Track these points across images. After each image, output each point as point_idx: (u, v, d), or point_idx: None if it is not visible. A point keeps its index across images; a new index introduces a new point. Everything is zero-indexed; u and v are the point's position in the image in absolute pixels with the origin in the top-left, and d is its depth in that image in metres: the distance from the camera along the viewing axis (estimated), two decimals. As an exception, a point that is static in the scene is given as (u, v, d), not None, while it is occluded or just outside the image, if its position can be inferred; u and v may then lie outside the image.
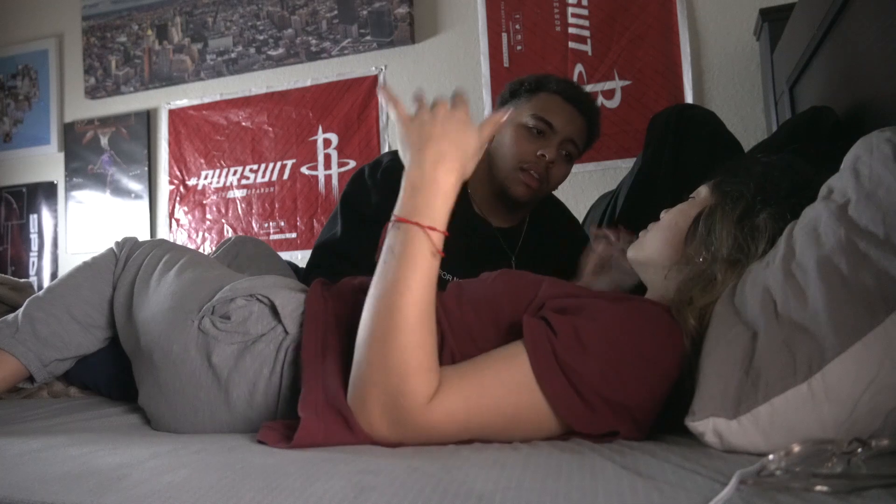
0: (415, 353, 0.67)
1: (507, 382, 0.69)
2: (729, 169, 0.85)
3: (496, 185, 1.38)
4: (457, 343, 0.79)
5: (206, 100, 2.88)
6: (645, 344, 0.71)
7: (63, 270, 2.57)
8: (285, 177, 2.76)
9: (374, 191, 1.39)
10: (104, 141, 3.04)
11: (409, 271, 0.69)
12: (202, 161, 2.89)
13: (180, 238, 2.89)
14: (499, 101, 1.46)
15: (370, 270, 0.74)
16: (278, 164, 2.77)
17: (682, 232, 0.83)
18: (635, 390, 0.69)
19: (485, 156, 1.42)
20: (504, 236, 1.43)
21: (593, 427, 0.68)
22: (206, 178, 2.89)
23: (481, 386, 0.69)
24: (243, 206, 2.82)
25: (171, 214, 2.93)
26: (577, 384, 0.67)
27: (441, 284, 0.79)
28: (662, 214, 0.91)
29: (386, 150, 2.59)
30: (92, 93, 3.04)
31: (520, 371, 0.69)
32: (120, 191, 3.02)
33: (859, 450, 0.50)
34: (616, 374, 0.68)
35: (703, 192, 0.86)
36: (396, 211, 0.74)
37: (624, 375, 0.68)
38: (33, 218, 3.19)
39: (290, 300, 0.89)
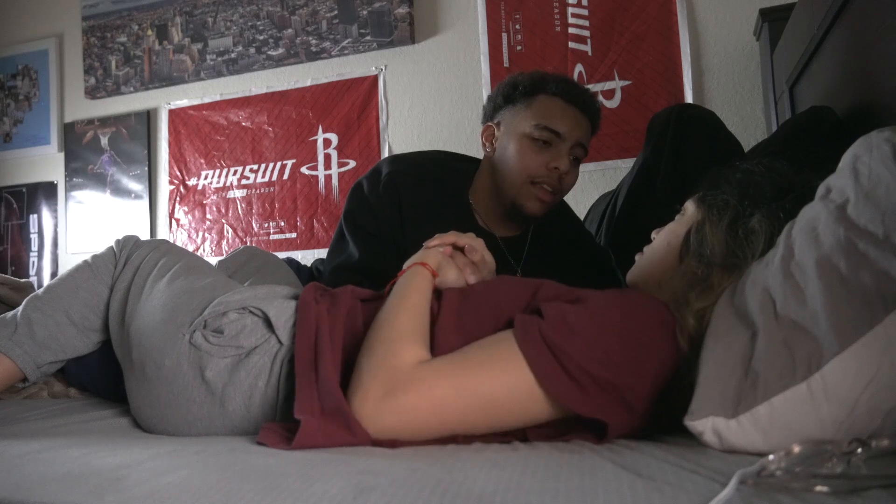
0: (403, 327, 0.77)
1: (495, 355, 0.71)
2: (710, 181, 0.87)
3: (506, 201, 1.33)
4: (451, 342, 0.78)
5: (206, 100, 2.88)
6: (635, 326, 0.72)
7: (63, 270, 2.59)
8: (285, 177, 2.76)
9: (379, 207, 1.34)
10: (104, 141, 3.04)
11: (406, 290, 0.84)
12: (202, 161, 2.89)
13: (180, 238, 2.89)
14: (490, 107, 1.38)
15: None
16: (278, 164, 2.77)
17: (676, 251, 0.85)
18: (625, 370, 0.69)
19: (487, 169, 1.38)
20: (509, 247, 1.38)
21: (581, 405, 0.68)
22: (206, 178, 2.89)
23: (469, 359, 0.72)
24: (243, 206, 2.82)
25: (171, 214, 2.93)
26: (563, 360, 0.68)
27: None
28: (653, 235, 0.92)
29: (386, 150, 2.59)
30: (92, 93, 3.04)
31: (508, 349, 0.71)
32: (120, 191, 3.02)
33: (859, 450, 0.50)
34: (604, 352, 0.69)
35: (689, 208, 0.88)
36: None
37: (612, 354, 0.69)
38: (33, 218, 3.19)
39: (284, 311, 0.88)
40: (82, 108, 3.11)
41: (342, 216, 1.41)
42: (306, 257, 2.61)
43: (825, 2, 1.17)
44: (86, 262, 1.11)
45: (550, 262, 1.40)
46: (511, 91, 1.33)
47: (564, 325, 0.71)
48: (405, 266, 0.93)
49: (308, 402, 0.73)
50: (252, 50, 2.78)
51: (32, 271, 3.16)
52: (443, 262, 0.93)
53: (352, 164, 2.65)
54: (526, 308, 0.80)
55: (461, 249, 0.98)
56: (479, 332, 0.79)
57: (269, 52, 2.75)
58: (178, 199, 2.92)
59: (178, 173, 2.92)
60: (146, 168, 2.97)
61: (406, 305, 0.81)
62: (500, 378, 0.69)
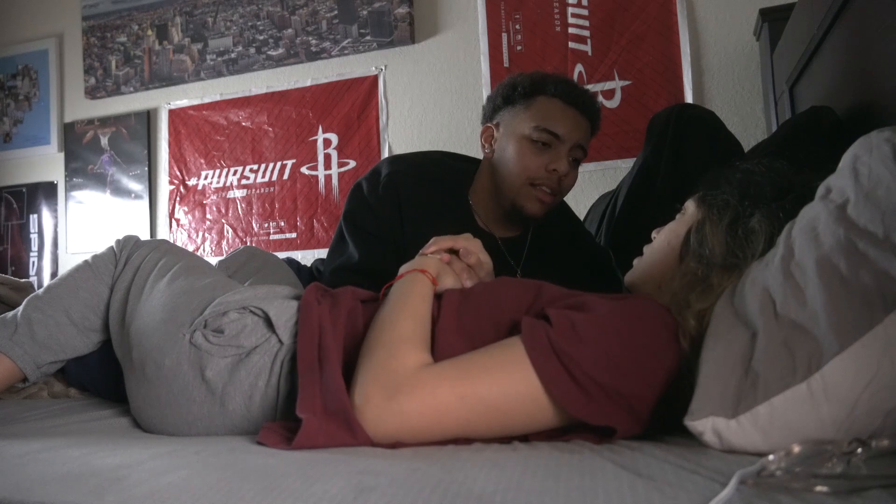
0: (404, 331, 0.77)
1: (501, 361, 0.71)
2: (710, 181, 0.87)
3: (505, 202, 1.33)
4: (451, 342, 0.78)
5: (206, 100, 2.88)
6: (641, 334, 0.72)
7: (63, 270, 2.59)
8: (285, 177, 2.76)
9: (379, 207, 1.34)
10: (104, 141, 3.04)
11: (407, 295, 0.85)
12: (202, 161, 2.89)
13: (180, 238, 2.89)
14: (490, 108, 1.38)
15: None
16: (278, 164, 2.77)
17: (676, 250, 0.85)
18: (631, 378, 0.69)
19: (487, 170, 1.38)
20: (508, 248, 1.39)
21: (589, 413, 0.68)
22: (206, 178, 2.89)
23: (474, 364, 0.71)
24: (243, 206, 2.82)
25: (171, 214, 2.93)
26: (571, 368, 0.68)
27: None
28: (654, 235, 0.92)
29: (386, 150, 2.59)
30: (92, 93, 3.04)
31: (515, 355, 0.70)
32: (120, 191, 3.02)
33: (859, 450, 0.50)
34: (611, 361, 0.69)
35: (689, 208, 0.88)
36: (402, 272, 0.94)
37: (619, 363, 0.69)
38: (33, 218, 3.19)
39: (285, 310, 0.88)
40: (82, 108, 3.11)
41: (342, 217, 1.41)
42: (306, 257, 2.61)
43: (825, 2, 1.17)
44: (86, 262, 1.11)
45: (550, 263, 1.39)
46: (510, 92, 1.33)
47: (573, 332, 0.70)
48: (402, 271, 0.93)
49: (310, 401, 0.73)
50: (252, 50, 2.78)
51: (32, 271, 3.16)
52: (441, 269, 0.93)
53: (352, 164, 2.65)
54: (528, 310, 0.80)
55: (456, 253, 0.98)
56: (479, 333, 0.79)
57: (269, 52, 2.75)
58: (178, 199, 2.92)
59: (178, 173, 2.92)
60: (146, 168, 2.97)
61: (408, 310, 0.81)
62: (506, 383, 0.69)
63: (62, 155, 3.13)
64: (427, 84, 2.56)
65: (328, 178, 2.69)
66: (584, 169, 2.26)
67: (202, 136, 2.89)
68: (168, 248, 1.11)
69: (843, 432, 0.57)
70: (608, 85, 2.32)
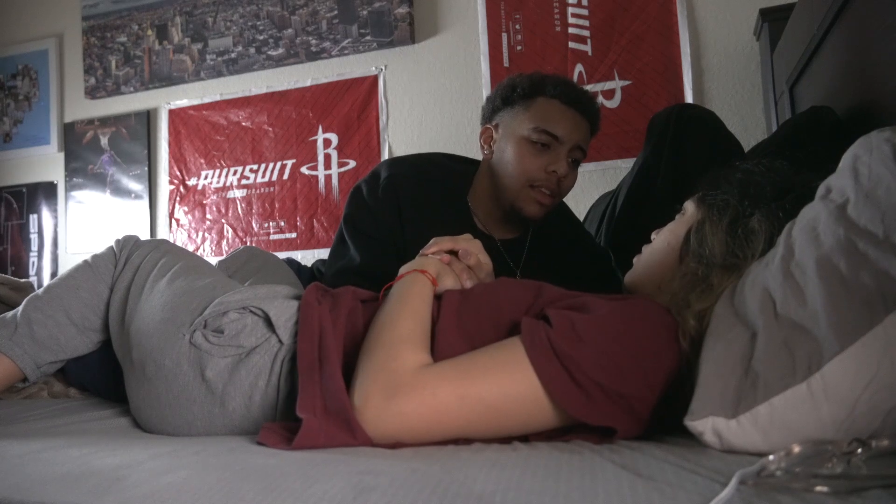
0: (404, 331, 0.77)
1: (501, 361, 0.71)
2: (710, 181, 0.87)
3: (504, 203, 1.32)
4: (451, 343, 0.79)
5: (206, 100, 2.88)
6: (642, 335, 0.72)
7: (63, 270, 2.58)
8: (285, 177, 2.76)
9: (378, 210, 1.34)
10: (104, 141, 3.04)
11: (407, 295, 0.85)
12: (202, 161, 2.89)
13: (180, 238, 2.89)
14: (489, 109, 1.37)
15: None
16: (278, 164, 2.77)
17: (676, 251, 0.85)
18: (631, 378, 0.69)
19: (486, 171, 1.37)
20: (508, 249, 1.38)
21: (589, 414, 0.68)
22: (206, 178, 2.89)
23: (474, 364, 0.71)
24: (243, 206, 2.82)
25: (171, 214, 2.93)
26: (571, 369, 0.68)
27: None
28: (653, 235, 0.92)
29: (386, 150, 2.59)
30: (92, 93, 3.04)
31: (515, 355, 0.70)
32: (120, 191, 3.02)
33: (859, 450, 0.50)
34: (612, 362, 0.69)
35: (689, 208, 0.88)
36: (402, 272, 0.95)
37: (621, 364, 0.69)
38: (33, 218, 3.19)
39: (285, 310, 0.88)
40: (82, 108, 3.10)
41: (342, 220, 1.41)
42: (306, 257, 2.61)
43: (825, 2, 1.17)
44: (86, 261, 1.11)
45: (550, 264, 1.39)
46: (509, 93, 1.32)
47: (573, 333, 0.70)
48: (402, 272, 0.94)
49: (310, 401, 0.73)
50: (252, 50, 2.78)
51: (32, 271, 3.16)
52: (441, 269, 0.93)
53: (352, 164, 2.65)
54: (528, 311, 0.80)
55: (456, 254, 0.98)
56: (479, 333, 0.79)
57: (269, 52, 2.75)
58: (178, 199, 2.92)
59: (178, 173, 2.92)
60: (146, 168, 2.97)
61: (408, 310, 0.81)
62: (506, 384, 0.69)
63: (62, 155, 3.13)
64: (427, 84, 2.56)
65: (328, 178, 2.69)
66: (584, 169, 2.26)
67: (202, 136, 2.89)
68: (168, 247, 1.11)
69: (843, 432, 0.57)
70: (608, 85, 2.32)
